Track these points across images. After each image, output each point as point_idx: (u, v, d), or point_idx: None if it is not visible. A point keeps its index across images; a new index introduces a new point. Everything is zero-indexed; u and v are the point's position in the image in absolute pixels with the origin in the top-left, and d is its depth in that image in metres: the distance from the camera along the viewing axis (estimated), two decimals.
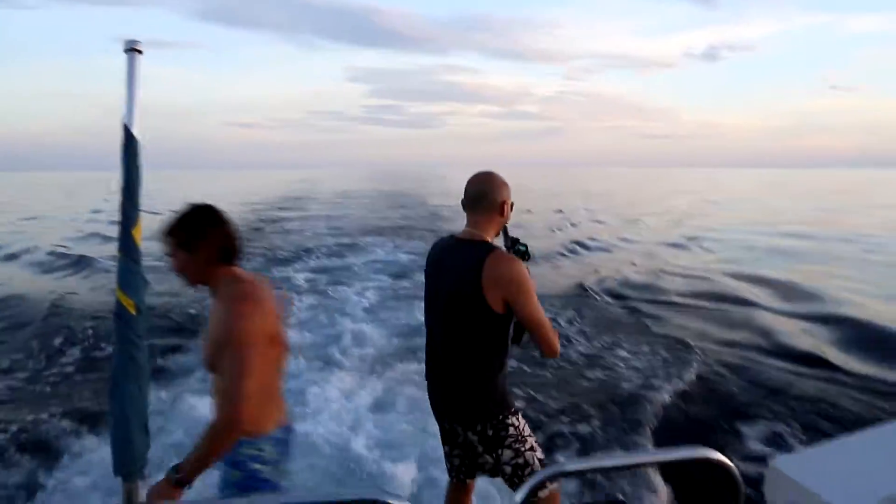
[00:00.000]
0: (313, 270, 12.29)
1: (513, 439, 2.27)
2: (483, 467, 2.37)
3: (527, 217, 23.07)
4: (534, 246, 2.54)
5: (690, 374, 5.91)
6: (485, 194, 2.30)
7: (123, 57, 1.73)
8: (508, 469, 2.28)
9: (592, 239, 16.61)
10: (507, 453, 2.26)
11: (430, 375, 2.43)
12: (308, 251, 14.84)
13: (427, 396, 2.47)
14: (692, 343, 6.90)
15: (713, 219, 24.17)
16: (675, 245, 15.85)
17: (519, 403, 4.58)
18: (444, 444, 2.49)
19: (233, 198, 37.94)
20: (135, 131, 1.70)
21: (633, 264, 12.61)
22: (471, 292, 2.15)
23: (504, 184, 2.34)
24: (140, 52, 1.73)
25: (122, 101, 1.71)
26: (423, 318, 2.48)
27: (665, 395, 5.35)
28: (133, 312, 1.62)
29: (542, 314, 2.22)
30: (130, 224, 1.66)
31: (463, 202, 2.35)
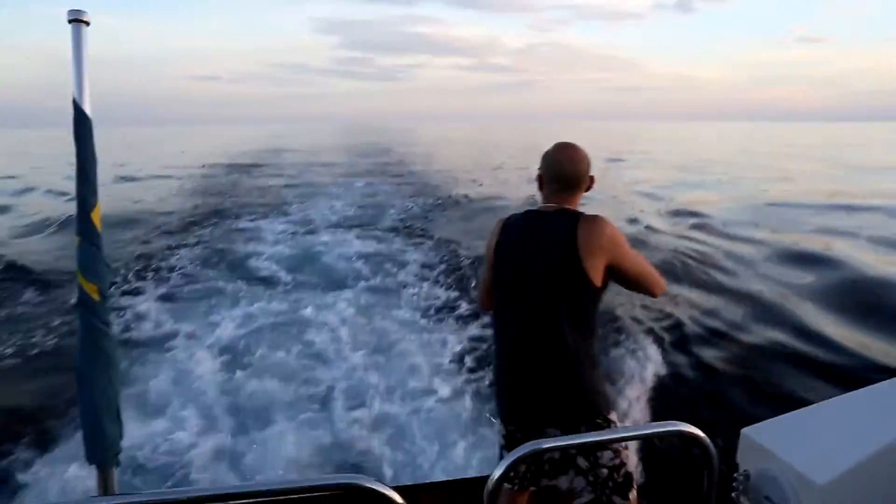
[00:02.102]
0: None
1: None
2: (562, 470, 2.08)
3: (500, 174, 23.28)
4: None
5: (664, 346, 5.95)
6: (580, 176, 2.15)
7: (67, 28, 1.61)
8: (605, 472, 2.01)
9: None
10: (608, 454, 2.01)
11: (509, 374, 2.13)
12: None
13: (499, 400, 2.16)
14: (664, 312, 6.97)
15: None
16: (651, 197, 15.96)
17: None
18: (509, 450, 2.08)
19: (205, 155, 37.46)
20: (86, 109, 1.59)
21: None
22: (569, 265, 1.99)
23: (589, 158, 2.20)
24: (87, 23, 1.61)
25: (70, 76, 1.59)
26: None
27: (640, 368, 5.41)
28: (97, 298, 1.56)
29: (642, 258, 2.14)
30: (88, 207, 1.57)
31: (550, 180, 2.15)
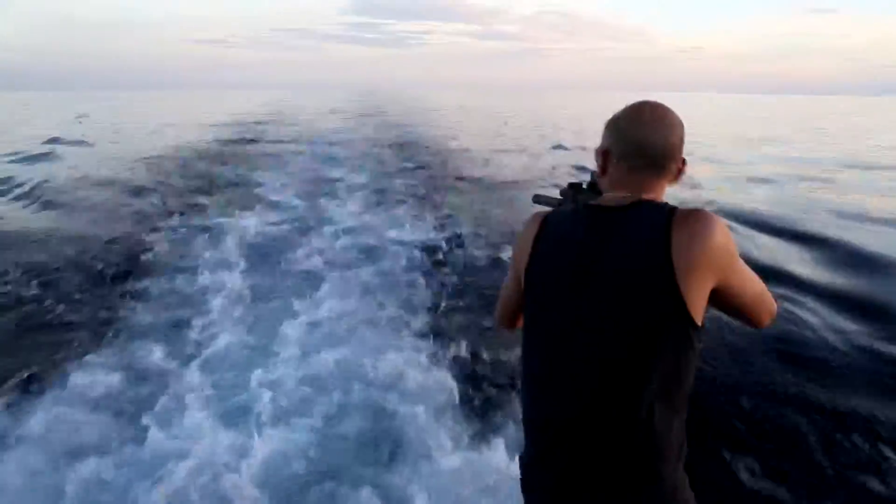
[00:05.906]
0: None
1: None
2: None
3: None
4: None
5: None
6: (674, 151, 1.41)
7: None
8: None
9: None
10: None
11: (555, 465, 1.40)
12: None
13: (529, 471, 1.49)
14: None
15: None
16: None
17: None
18: None
19: (208, 118, 37.26)
20: None
21: None
22: (662, 295, 1.28)
23: (684, 129, 1.44)
24: None
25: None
26: None
27: None
28: None
29: (753, 273, 1.44)
30: None
31: (627, 154, 1.42)
